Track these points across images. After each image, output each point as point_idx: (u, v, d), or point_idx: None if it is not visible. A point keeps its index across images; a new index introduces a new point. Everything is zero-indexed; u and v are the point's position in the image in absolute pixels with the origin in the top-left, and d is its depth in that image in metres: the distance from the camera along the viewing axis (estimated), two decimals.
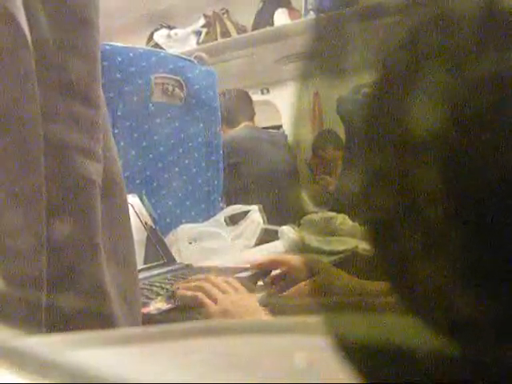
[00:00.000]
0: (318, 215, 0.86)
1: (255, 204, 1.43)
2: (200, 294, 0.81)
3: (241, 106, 2.23)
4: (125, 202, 0.54)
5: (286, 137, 2.18)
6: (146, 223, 1.07)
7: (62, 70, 0.45)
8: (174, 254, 1.10)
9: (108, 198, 0.49)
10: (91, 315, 0.46)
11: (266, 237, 1.30)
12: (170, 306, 0.79)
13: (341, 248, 1.00)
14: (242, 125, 2.18)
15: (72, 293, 0.44)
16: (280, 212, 1.45)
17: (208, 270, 1.00)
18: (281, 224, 1.24)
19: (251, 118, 2.26)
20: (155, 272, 1.00)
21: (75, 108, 0.45)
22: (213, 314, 0.78)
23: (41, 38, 0.43)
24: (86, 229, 0.45)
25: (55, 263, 0.42)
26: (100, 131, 0.48)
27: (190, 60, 1.47)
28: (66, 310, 0.44)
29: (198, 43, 2.68)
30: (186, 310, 0.80)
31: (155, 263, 1.04)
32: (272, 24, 2.45)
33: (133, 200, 1.07)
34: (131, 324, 0.50)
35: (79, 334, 0.24)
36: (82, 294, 0.45)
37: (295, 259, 0.92)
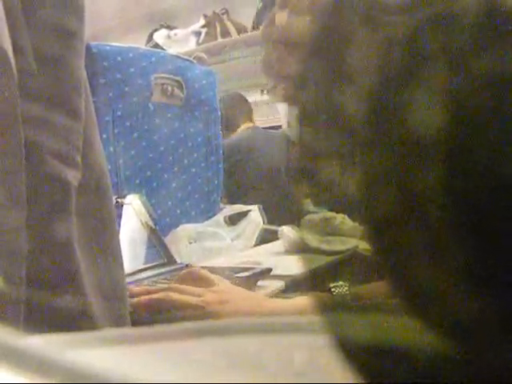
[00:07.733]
0: (318, 215, 0.86)
1: (255, 204, 1.43)
2: (171, 293, 0.71)
3: (237, 109, 2.26)
4: (111, 203, 0.55)
5: (286, 137, 2.18)
6: (146, 223, 1.07)
7: (41, 80, 0.45)
8: (173, 254, 1.10)
9: (93, 199, 0.50)
10: (67, 311, 0.47)
11: (266, 237, 1.30)
12: None
13: (341, 248, 1.00)
14: (242, 126, 2.21)
15: (47, 289, 0.45)
16: (280, 212, 1.45)
17: (208, 270, 1.00)
18: (281, 224, 1.24)
19: (250, 117, 2.28)
20: (155, 272, 1.00)
21: (52, 116, 0.47)
22: (202, 306, 0.68)
23: (21, 49, 0.43)
24: (58, 224, 0.46)
25: (32, 262, 0.43)
26: (78, 140, 0.48)
27: (189, 60, 1.47)
28: (43, 306, 0.45)
29: (197, 43, 2.68)
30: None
31: (155, 263, 1.04)
32: None
33: (133, 200, 1.07)
34: (116, 322, 0.51)
35: (79, 334, 0.24)
36: (57, 291, 0.46)
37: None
